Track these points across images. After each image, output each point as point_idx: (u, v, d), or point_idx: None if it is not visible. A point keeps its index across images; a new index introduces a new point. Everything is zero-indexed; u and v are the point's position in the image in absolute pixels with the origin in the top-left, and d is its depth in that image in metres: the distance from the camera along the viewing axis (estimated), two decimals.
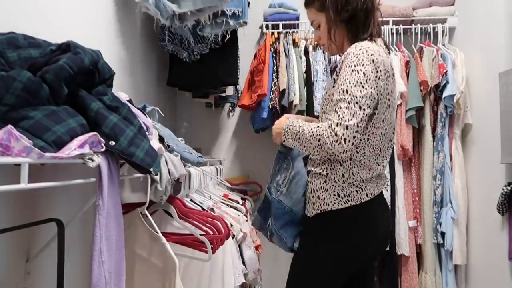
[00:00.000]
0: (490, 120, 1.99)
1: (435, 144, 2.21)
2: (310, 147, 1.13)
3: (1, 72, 0.71)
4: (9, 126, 0.61)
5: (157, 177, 1.06)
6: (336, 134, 1.07)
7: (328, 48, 1.32)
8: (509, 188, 1.76)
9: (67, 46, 0.83)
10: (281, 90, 2.21)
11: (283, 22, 2.37)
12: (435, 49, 2.25)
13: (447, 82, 2.14)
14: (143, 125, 1.01)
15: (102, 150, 0.77)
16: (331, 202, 1.18)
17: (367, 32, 1.23)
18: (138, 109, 1.18)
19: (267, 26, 2.40)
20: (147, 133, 1.02)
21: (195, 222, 1.37)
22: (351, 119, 1.07)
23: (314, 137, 1.11)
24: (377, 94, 1.12)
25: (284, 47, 2.31)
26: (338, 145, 1.07)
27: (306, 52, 2.31)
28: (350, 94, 1.09)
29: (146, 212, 1.11)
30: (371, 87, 1.10)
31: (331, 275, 1.22)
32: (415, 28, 2.37)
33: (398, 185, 2.21)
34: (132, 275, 1.10)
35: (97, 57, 0.87)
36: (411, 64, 2.22)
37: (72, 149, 0.69)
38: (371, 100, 1.10)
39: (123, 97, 1.22)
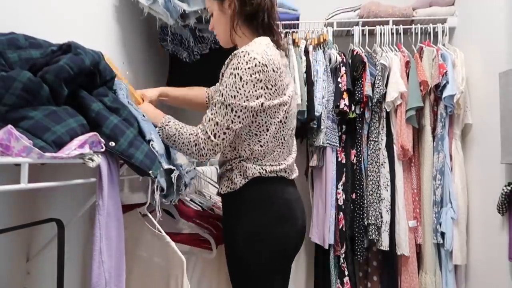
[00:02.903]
0: (490, 120, 1.99)
1: (435, 144, 2.21)
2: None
3: (1, 72, 0.71)
4: (9, 126, 0.62)
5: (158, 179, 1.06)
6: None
7: (220, 38, 1.33)
8: (509, 188, 1.76)
9: (68, 46, 0.83)
10: None
11: (283, 22, 2.36)
12: (435, 49, 2.25)
13: (447, 82, 2.14)
14: None
15: (102, 150, 0.77)
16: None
17: (266, 32, 1.24)
18: None
19: None
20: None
21: (196, 221, 1.37)
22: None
23: None
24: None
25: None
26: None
27: (306, 52, 2.30)
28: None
29: (146, 212, 1.11)
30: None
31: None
32: (415, 28, 2.36)
33: (398, 185, 2.20)
34: (132, 275, 1.11)
35: (98, 58, 0.87)
36: (411, 64, 2.22)
37: (72, 149, 0.69)
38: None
39: None
